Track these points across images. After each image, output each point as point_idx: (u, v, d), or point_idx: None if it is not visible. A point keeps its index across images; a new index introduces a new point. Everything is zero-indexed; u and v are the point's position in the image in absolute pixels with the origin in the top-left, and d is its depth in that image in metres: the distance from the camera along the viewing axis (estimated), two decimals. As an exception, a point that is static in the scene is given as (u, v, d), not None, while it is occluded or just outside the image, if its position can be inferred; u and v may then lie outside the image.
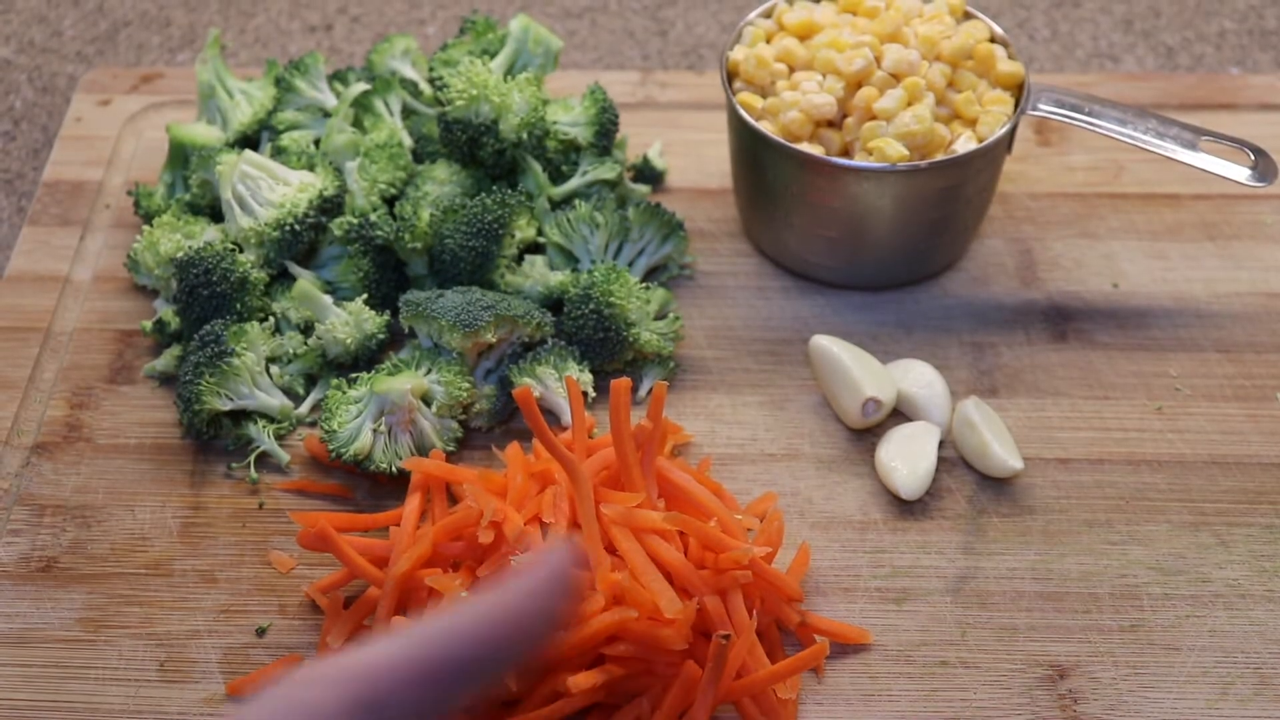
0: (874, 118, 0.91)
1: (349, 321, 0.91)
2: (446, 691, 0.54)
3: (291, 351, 0.92)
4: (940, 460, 0.88)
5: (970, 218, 0.98)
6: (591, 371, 0.92)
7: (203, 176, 0.97)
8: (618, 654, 0.72)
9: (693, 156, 1.08)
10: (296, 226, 0.93)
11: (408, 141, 1.00)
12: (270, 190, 0.93)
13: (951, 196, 0.94)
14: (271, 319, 0.93)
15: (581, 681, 0.71)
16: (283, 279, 0.95)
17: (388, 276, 0.95)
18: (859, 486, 0.87)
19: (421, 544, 0.76)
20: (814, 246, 0.97)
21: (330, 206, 0.94)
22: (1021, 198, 1.06)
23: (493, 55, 1.01)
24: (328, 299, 0.92)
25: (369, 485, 0.88)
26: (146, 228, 0.96)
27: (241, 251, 0.93)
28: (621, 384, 0.77)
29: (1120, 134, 0.94)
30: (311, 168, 0.96)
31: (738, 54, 0.97)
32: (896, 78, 0.93)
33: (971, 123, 0.93)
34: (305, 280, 0.93)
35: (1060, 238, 1.03)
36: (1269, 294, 0.99)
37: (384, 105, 1.02)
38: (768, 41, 0.98)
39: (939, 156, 0.91)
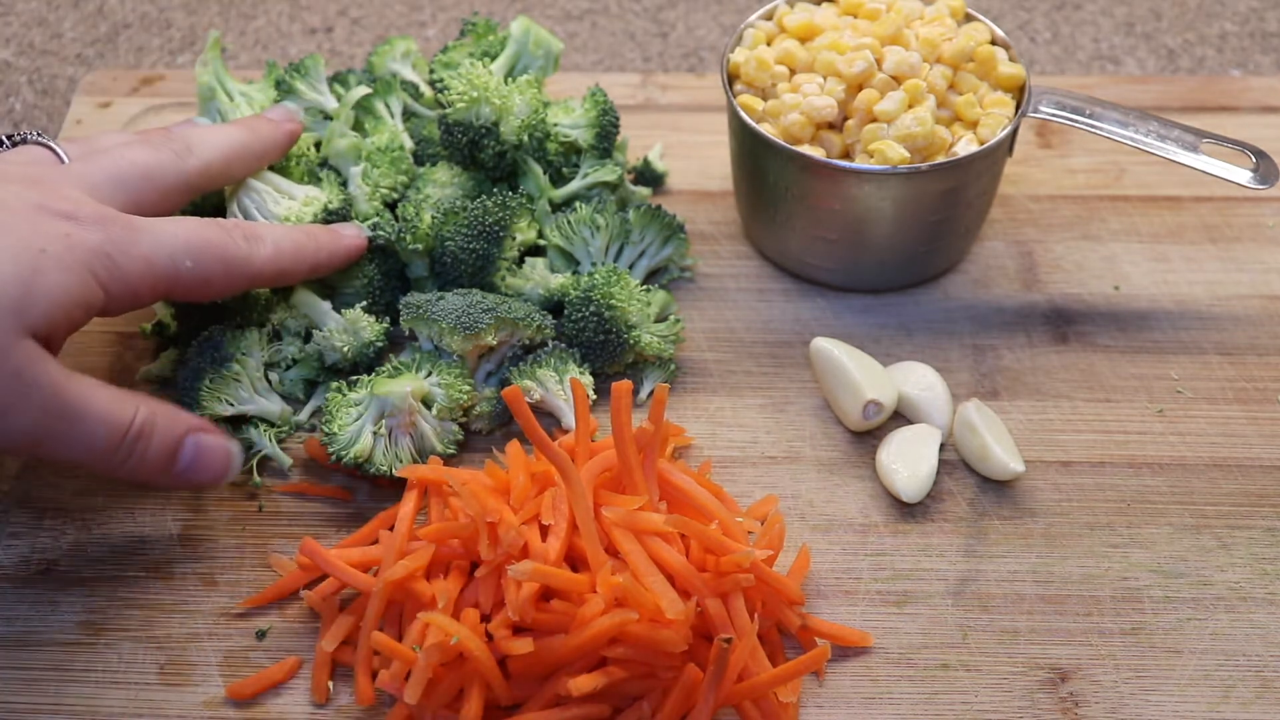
0: (875, 120, 0.91)
1: (346, 329, 0.91)
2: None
3: (290, 357, 0.92)
4: (941, 463, 0.88)
5: (971, 220, 0.98)
6: (592, 374, 0.92)
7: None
8: (619, 657, 0.72)
9: (693, 159, 1.08)
10: (297, 233, 0.93)
11: (409, 144, 1.00)
12: (275, 204, 0.93)
13: (952, 199, 0.94)
14: (270, 326, 0.93)
15: (583, 684, 0.71)
16: (284, 287, 0.95)
17: (391, 283, 0.95)
18: (860, 489, 0.87)
19: (420, 556, 0.76)
20: (815, 249, 0.97)
21: (335, 220, 0.94)
22: (1022, 200, 1.06)
23: (493, 57, 1.01)
24: (326, 305, 0.92)
25: (369, 488, 0.87)
26: (147, 230, 0.96)
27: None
28: (622, 386, 0.77)
29: (1121, 136, 0.93)
30: (316, 179, 0.96)
31: (738, 56, 0.97)
32: (897, 80, 0.93)
33: (972, 125, 0.93)
34: (304, 286, 0.92)
35: (1061, 240, 1.03)
36: (1270, 296, 0.99)
37: (385, 107, 1.01)
38: (768, 44, 0.98)
39: (940, 159, 0.91)
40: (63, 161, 0.81)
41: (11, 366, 0.64)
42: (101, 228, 0.72)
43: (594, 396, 0.90)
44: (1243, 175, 0.93)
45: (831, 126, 0.94)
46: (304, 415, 0.91)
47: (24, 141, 0.83)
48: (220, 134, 0.87)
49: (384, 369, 0.88)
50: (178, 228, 0.77)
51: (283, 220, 0.93)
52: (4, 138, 0.84)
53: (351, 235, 0.90)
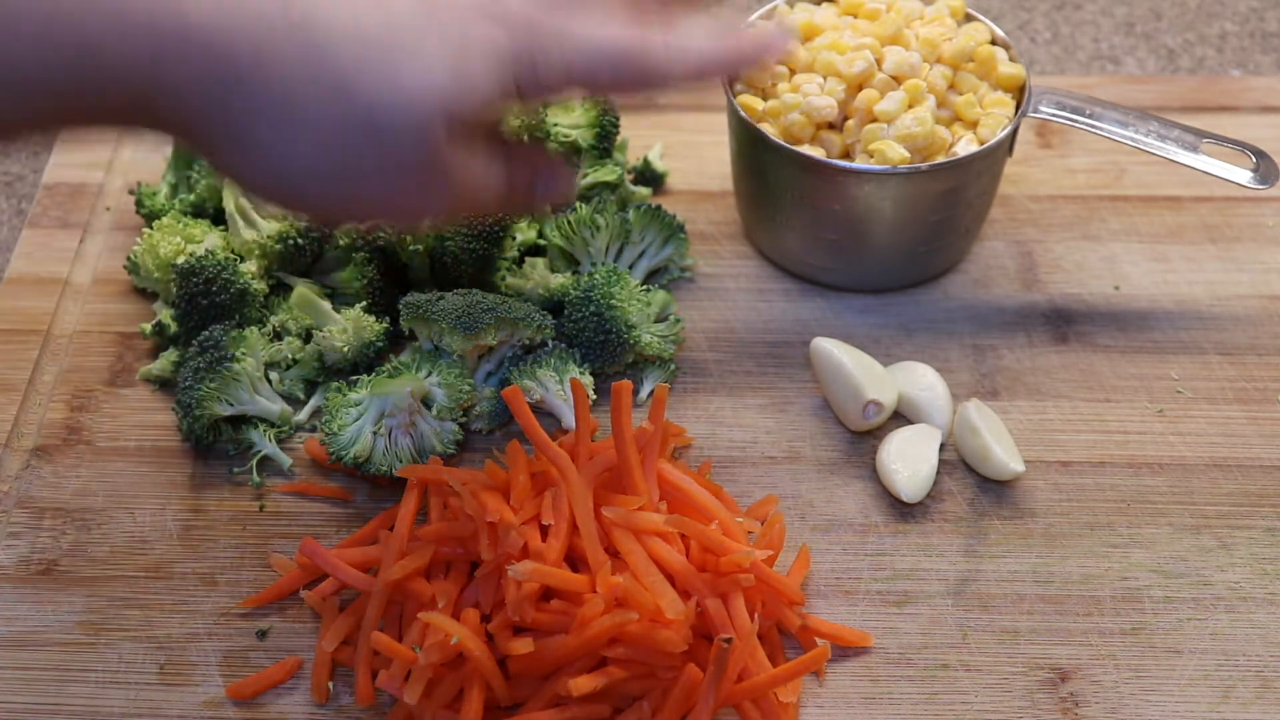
0: (875, 120, 0.91)
1: (346, 329, 0.91)
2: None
3: (290, 357, 0.92)
4: (941, 463, 0.88)
5: (971, 220, 0.98)
6: (592, 374, 0.92)
7: (211, 182, 0.97)
8: (619, 657, 0.72)
9: (693, 159, 1.08)
10: (299, 240, 0.93)
11: (408, 144, 1.00)
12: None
13: (952, 199, 0.94)
14: (270, 326, 0.93)
15: (583, 684, 0.71)
16: (284, 288, 0.95)
17: (391, 283, 0.95)
18: (860, 489, 0.87)
19: (418, 556, 0.76)
20: (815, 249, 0.97)
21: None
22: (1023, 200, 1.06)
23: (493, 57, 1.01)
24: (326, 305, 0.92)
25: (369, 488, 0.87)
26: (146, 230, 0.96)
27: (243, 261, 0.93)
28: (623, 386, 0.77)
29: (1121, 136, 0.93)
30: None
31: (738, 56, 0.96)
32: (897, 80, 0.93)
33: (972, 125, 0.93)
34: (303, 286, 0.92)
35: (1061, 240, 1.03)
36: (1270, 296, 0.99)
37: (384, 107, 1.01)
38: (768, 44, 0.97)
39: (940, 159, 0.91)
40: None
41: (437, 163, 0.68)
42: (527, 30, 0.70)
43: (594, 396, 0.90)
44: (1243, 175, 0.93)
45: (831, 126, 0.94)
46: (304, 415, 0.91)
47: None
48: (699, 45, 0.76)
49: (384, 369, 0.88)
50: (602, 34, 0.71)
51: (280, 219, 0.93)
52: None
53: (776, 36, 0.78)
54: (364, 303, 0.93)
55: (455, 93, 0.67)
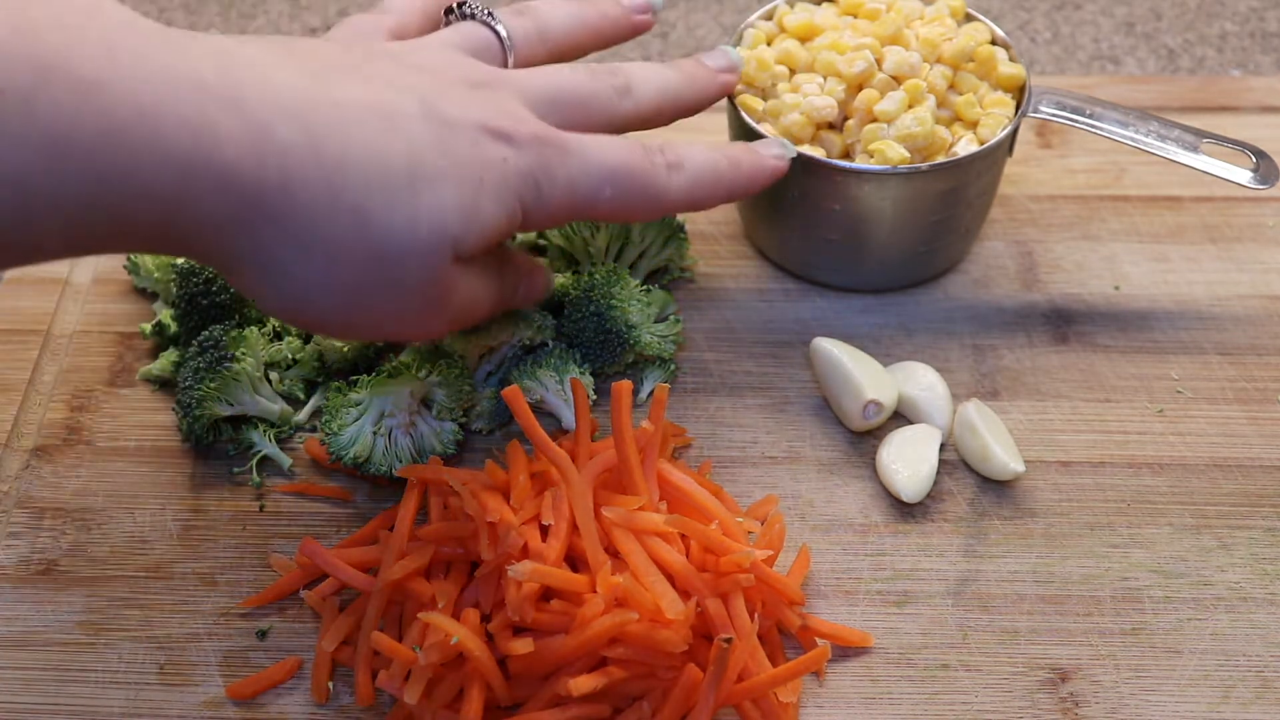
0: (875, 120, 0.91)
1: (348, 326, 0.91)
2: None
3: (290, 357, 0.92)
4: (941, 463, 0.88)
5: (971, 220, 0.98)
6: (592, 374, 0.92)
7: None
8: (619, 657, 0.72)
9: (693, 159, 1.08)
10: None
11: (408, 144, 1.00)
12: None
13: (952, 199, 0.94)
14: (270, 326, 0.93)
15: (583, 684, 0.71)
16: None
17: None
18: (860, 489, 0.87)
19: (418, 556, 0.76)
20: (815, 249, 0.97)
21: None
22: (1023, 200, 1.06)
23: (493, 57, 1.01)
24: (328, 301, 0.92)
25: (369, 488, 0.87)
26: (147, 230, 0.96)
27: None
28: (623, 386, 0.77)
29: (1122, 136, 0.94)
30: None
31: (738, 56, 0.97)
32: (897, 80, 0.93)
33: (973, 125, 0.93)
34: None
35: (1062, 240, 1.03)
36: (1270, 296, 0.99)
37: (384, 107, 1.01)
38: (768, 44, 0.98)
39: (940, 159, 0.91)
40: (505, 52, 0.80)
41: (442, 289, 0.71)
42: (535, 150, 0.72)
43: (594, 396, 0.90)
44: (1243, 175, 0.93)
45: (831, 126, 0.94)
46: (304, 415, 0.91)
47: (468, 17, 0.82)
48: (659, 78, 0.83)
49: (384, 369, 0.88)
50: (604, 153, 0.75)
51: None
52: (454, 4, 0.83)
53: (774, 155, 0.84)
54: (364, 303, 0.93)
55: (465, 228, 0.69)
